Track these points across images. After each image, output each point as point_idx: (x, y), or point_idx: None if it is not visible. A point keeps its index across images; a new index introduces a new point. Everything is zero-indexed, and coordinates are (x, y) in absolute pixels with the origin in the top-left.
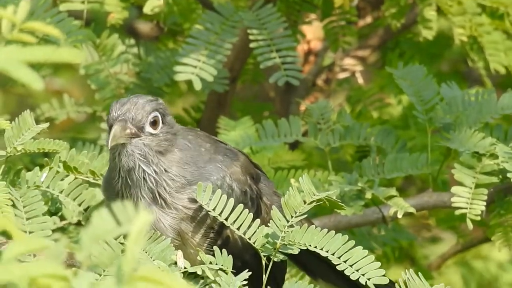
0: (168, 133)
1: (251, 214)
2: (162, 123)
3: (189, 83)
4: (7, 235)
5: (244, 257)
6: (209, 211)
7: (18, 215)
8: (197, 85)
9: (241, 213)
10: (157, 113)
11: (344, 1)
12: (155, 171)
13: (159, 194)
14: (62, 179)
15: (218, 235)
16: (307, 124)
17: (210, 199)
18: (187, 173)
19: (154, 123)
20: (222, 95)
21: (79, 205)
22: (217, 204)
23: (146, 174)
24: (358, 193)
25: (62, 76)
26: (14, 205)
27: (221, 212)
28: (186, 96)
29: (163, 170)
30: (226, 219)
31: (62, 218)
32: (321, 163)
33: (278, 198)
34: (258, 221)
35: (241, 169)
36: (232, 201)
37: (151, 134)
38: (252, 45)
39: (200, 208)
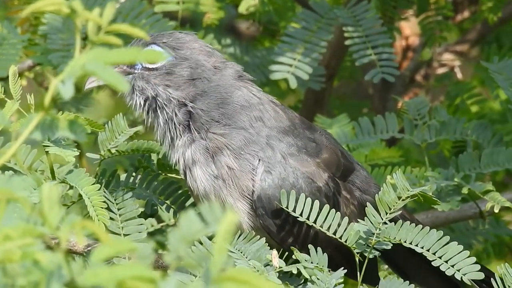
0: (180, 67)
1: (339, 214)
2: (175, 58)
3: (288, 81)
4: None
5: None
6: (297, 217)
7: (113, 218)
8: (293, 83)
9: (328, 214)
10: (153, 47)
11: None
12: (161, 103)
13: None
14: (156, 180)
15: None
16: (403, 120)
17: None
18: (219, 115)
19: None
20: (319, 93)
21: (173, 205)
22: (302, 209)
23: (148, 107)
24: (455, 189)
25: None
26: (108, 208)
27: (308, 216)
28: (285, 95)
29: (176, 103)
30: (314, 222)
31: (159, 220)
32: (419, 159)
33: (376, 191)
34: (346, 219)
35: (318, 168)
36: (317, 203)
37: (148, 69)
38: (347, 42)
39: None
